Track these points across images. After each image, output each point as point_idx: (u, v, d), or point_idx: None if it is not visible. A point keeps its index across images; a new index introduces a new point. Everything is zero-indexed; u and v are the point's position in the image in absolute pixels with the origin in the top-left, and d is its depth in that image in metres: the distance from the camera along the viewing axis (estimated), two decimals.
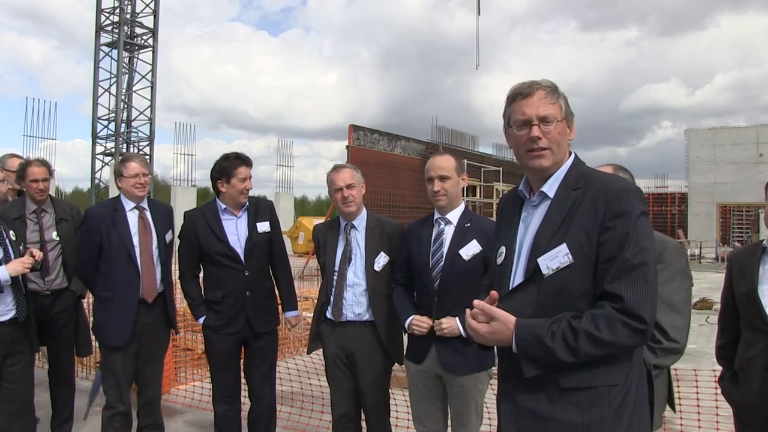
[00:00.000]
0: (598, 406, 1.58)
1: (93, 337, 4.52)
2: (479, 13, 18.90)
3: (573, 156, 1.79)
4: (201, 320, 3.63)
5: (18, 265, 3.23)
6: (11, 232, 3.40)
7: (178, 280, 3.78)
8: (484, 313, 1.67)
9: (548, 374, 1.62)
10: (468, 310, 1.72)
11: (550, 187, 1.74)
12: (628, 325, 1.53)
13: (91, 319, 3.91)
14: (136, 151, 23.84)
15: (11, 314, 3.26)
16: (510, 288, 1.75)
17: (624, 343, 1.55)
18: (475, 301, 1.70)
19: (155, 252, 3.66)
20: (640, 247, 1.57)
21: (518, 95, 1.77)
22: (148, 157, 23.53)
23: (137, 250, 3.59)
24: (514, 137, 1.79)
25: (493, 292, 1.73)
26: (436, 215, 3.01)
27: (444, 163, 2.94)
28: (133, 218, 3.65)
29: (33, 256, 3.29)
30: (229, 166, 3.55)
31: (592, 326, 1.54)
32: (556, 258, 1.64)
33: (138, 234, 3.62)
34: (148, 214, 3.69)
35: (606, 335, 1.53)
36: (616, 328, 1.53)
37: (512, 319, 1.64)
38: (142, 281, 3.57)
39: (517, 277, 1.75)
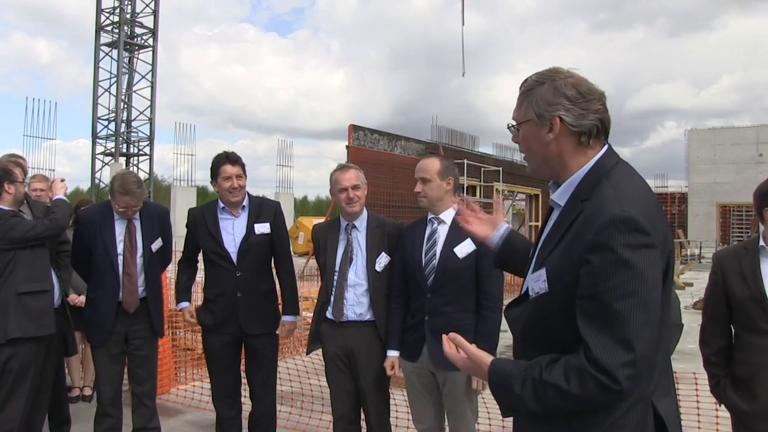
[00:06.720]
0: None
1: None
2: (463, 23, 19.15)
3: (597, 157, 1.52)
4: (180, 306, 3.75)
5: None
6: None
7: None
8: (462, 347, 1.57)
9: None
10: (444, 336, 1.62)
11: (561, 195, 1.55)
12: (598, 381, 1.32)
13: None
14: (135, 150, 23.82)
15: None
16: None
17: (594, 400, 1.35)
18: (452, 334, 1.60)
19: (139, 261, 3.66)
20: (620, 292, 1.32)
21: None
22: (148, 157, 23.59)
23: (120, 258, 3.60)
24: None
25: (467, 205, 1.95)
26: (430, 215, 3.07)
27: (426, 166, 3.01)
28: (120, 226, 3.66)
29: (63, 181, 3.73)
30: (214, 165, 3.55)
31: (562, 379, 1.36)
32: (538, 282, 1.49)
33: (123, 242, 3.63)
34: (137, 223, 3.68)
35: (575, 389, 1.34)
36: (587, 383, 1.33)
37: (486, 360, 1.52)
38: (122, 289, 3.59)
39: (523, 287, 1.61)
